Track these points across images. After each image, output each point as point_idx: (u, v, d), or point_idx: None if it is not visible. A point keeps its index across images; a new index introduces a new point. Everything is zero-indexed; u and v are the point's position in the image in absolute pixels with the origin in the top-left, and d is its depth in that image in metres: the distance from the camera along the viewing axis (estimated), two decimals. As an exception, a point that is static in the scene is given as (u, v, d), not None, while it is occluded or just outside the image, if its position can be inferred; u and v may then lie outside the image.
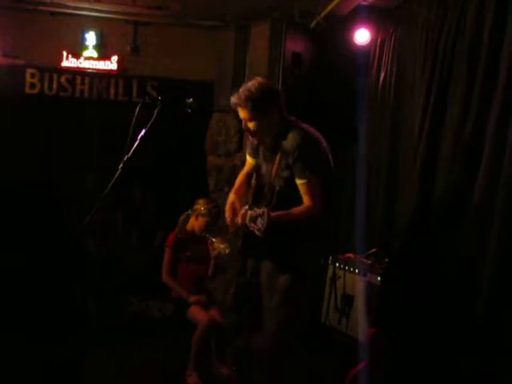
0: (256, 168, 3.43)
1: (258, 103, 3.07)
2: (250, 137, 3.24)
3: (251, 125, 3.13)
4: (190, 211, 4.49)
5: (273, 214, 2.96)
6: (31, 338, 4.46)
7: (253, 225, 2.97)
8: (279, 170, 3.13)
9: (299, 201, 3.09)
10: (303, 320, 3.36)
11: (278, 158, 3.14)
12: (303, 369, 3.66)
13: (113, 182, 2.83)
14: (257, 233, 2.97)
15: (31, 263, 5.35)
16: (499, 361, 3.22)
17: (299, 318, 3.26)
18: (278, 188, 3.14)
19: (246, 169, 3.53)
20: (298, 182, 3.06)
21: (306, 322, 3.47)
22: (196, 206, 4.45)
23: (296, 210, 3.07)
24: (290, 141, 3.07)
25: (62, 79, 6.11)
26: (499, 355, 3.22)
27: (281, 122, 3.17)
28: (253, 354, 3.30)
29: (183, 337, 4.13)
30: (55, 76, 6.11)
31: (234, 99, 3.13)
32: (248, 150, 3.46)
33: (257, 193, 3.32)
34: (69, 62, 6.07)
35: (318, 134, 3.20)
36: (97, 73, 6.16)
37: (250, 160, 3.48)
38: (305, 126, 3.19)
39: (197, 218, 4.42)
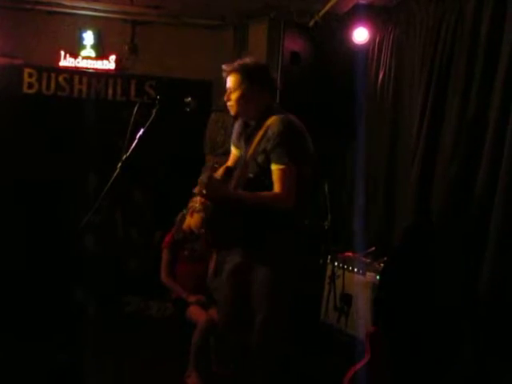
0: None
1: (250, 73, 3.09)
2: (230, 109, 3.18)
3: (234, 95, 3.11)
4: (184, 210, 4.46)
5: (233, 191, 3.00)
6: (29, 338, 4.46)
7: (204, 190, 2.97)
8: (255, 153, 3.06)
9: None
10: (289, 316, 3.28)
11: (256, 141, 3.08)
12: (294, 365, 3.65)
13: (111, 181, 2.83)
14: (204, 192, 2.97)
15: (30, 263, 5.36)
16: (499, 360, 3.22)
17: (285, 315, 3.19)
18: (251, 175, 3.08)
19: (229, 163, 3.47)
20: (274, 167, 2.97)
21: (293, 318, 3.42)
22: (191, 204, 4.42)
23: (262, 193, 3.00)
24: (274, 126, 3.02)
25: (60, 79, 6.10)
26: (499, 354, 3.22)
27: (267, 107, 3.14)
28: (246, 353, 3.26)
29: (182, 337, 4.13)
30: (53, 75, 6.10)
31: (226, 66, 3.15)
32: (232, 138, 3.40)
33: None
34: (66, 62, 6.05)
35: (303, 126, 3.15)
36: (95, 72, 6.15)
37: (234, 151, 3.42)
38: (291, 115, 3.15)
39: (192, 216, 4.39)
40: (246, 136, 3.22)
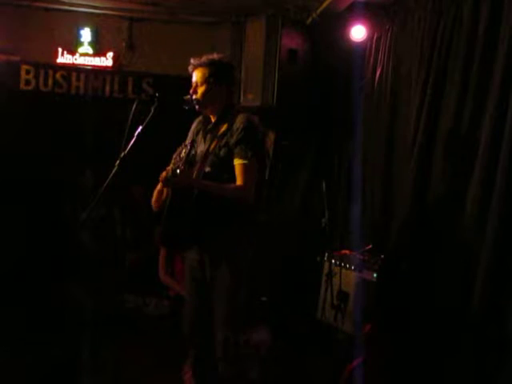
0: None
1: (218, 69, 3.16)
2: (195, 104, 3.20)
3: (201, 89, 3.16)
4: None
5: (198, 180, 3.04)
6: (27, 335, 4.45)
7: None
8: (216, 148, 3.12)
9: None
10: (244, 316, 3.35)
11: (218, 136, 3.15)
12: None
13: (110, 178, 2.83)
14: (178, 172, 2.99)
15: (29, 260, 5.35)
16: (495, 356, 3.23)
17: (241, 310, 3.24)
18: (208, 169, 3.12)
19: None
20: (238, 162, 3.04)
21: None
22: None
23: (225, 185, 3.06)
24: (239, 122, 3.10)
25: (58, 75, 6.09)
26: (495, 350, 3.23)
27: (228, 104, 3.23)
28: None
29: (180, 334, 4.13)
30: (50, 72, 6.09)
31: (194, 60, 3.19)
32: (188, 136, 3.41)
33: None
34: (64, 59, 6.05)
35: (261, 126, 3.27)
36: (92, 69, 6.14)
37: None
38: (251, 115, 3.24)
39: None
40: (206, 132, 3.28)
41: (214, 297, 3.19)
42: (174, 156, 3.19)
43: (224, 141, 3.11)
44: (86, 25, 6.05)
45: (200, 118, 3.39)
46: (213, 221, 3.09)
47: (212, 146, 3.15)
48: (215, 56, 3.20)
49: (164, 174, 3.15)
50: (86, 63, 6.11)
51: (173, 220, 3.11)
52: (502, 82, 3.35)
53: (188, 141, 3.36)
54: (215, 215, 3.08)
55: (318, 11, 5.21)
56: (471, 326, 3.38)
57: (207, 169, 3.13)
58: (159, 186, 3.25)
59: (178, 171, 2.98)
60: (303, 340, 4.57)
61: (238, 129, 3.07)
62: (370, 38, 5.15)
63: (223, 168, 3.08)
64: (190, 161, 3.14)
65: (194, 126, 3.42)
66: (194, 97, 3.19)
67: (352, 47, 5.17)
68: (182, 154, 3.09)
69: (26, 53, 6.00)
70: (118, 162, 2.88)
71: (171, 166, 3.16)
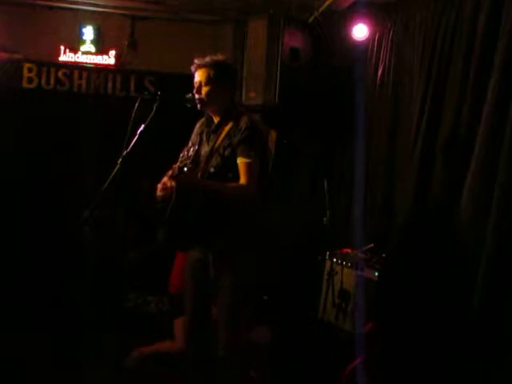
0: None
1: (221, 69, 3.19)
2: (198, 103, 3.22)
3: (205, 89, 3.18)
4: None
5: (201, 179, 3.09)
6: (28, 333, 4.46)
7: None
8: (220, 148, 3.15)
9: None
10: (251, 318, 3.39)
11: (221, 137, 3.18)
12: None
13: (112, 177, 2.83)
14: (185, 170, 3.04)
15: (30, 258, 5.36)
16: (495, 355, 3.24)
17: (245, 311, 3.26)
18: (212, 169, 3.15)
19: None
20: (241, 160, 3.07)
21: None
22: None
23: (228, 184, 3.09)
24: (241, 122, 3.13)
25: (60, 74, 6.09)
26: (495, 349, 3.24)
27: (231, 103, 3.26)
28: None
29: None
30: (53, 70, 6.09)
31: (198, 60, 3.21)
32: (192, 138, 3.44)
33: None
34: (66, 57, 6.05)
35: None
36: (94, 67, 6.14)
37: None
38: (252, 115, 3.30)
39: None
40: (209, 132, 3.29)
41: (216, 297, 3.21)
42: (181, 155, 3.20)
43: (228, 141, 3.13)
44: (89, 23, 6.06)
45: (202, 119, 3.40)
46: (217, 220, 3.10)
47: (216, 147, 3.17)
48: (219, 57, 3.23)
49: (170, 172, 3.16)
50: (89, 61, 6.11)
51: (176, 219, 3.12)
52: (501, 78, 3.37)
53: (193, 142, 3.38)
54: (219, 214, 3.08)
55: (320, 10, 5.21)
56: (471, 326, 3.38)
57: (211, 169, 3.15)
58: (164, 179, 3.25)
59: (186, 169, 3.00)
60: (304, 339, 4.57)
61: (241, 129, 3.10)
62: (371, 36, 5.15)
63: (227, 168, 3.11)
64: (195, 161, 3.15)
65: (197, 127, 3.44)
66: (197, 96, 3.21)
67: (354, 46, 5.17)
68: (190, 153, 3.11)
69: (28, 51, 6.00)
70: (120, 159, 2.89)
71: (178, 164, 3.18)
